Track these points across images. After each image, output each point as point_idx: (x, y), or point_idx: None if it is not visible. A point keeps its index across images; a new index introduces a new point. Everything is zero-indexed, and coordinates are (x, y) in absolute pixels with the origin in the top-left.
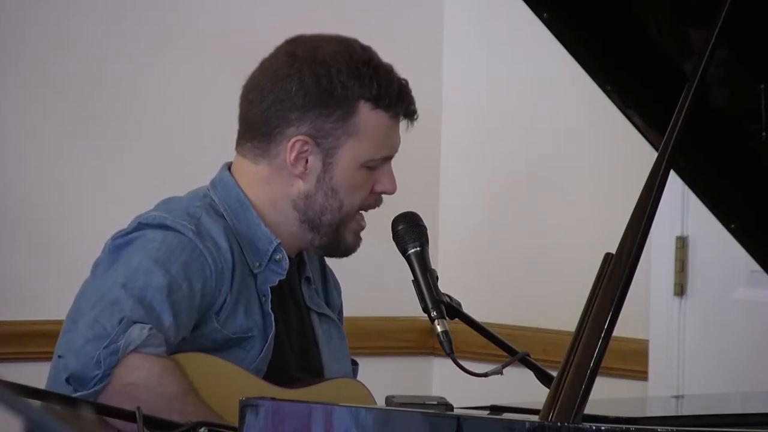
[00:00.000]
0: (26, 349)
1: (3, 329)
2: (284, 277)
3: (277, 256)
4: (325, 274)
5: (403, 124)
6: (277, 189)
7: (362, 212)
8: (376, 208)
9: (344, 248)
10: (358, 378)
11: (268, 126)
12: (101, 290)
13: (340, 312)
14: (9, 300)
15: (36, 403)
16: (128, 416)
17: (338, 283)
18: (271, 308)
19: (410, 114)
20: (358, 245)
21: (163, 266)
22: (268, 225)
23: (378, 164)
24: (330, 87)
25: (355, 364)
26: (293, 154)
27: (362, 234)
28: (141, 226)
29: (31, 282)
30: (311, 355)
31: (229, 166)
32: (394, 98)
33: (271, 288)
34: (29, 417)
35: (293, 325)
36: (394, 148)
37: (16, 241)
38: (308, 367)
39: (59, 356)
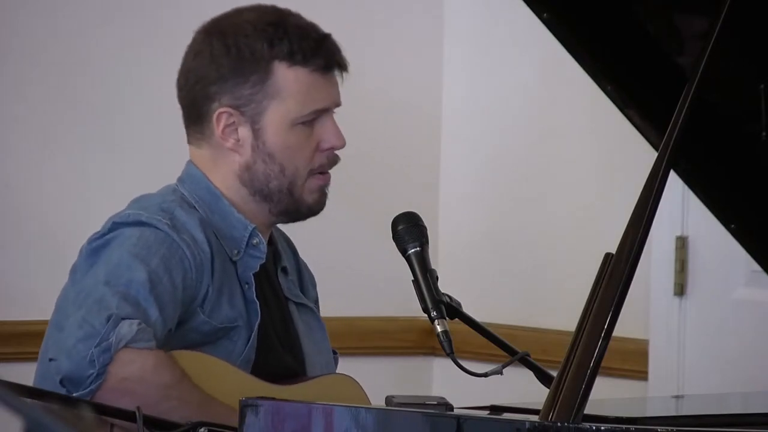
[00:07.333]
0: (26, 349)
1: (2, 329)
2: (264, 260)
3: (254, 241)
4: (299, 266)
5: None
6: (223, 169)
7: (323, 171)
8: (332, 166)
9: (306, 209)
10: (356, 376)
11: (195, 107)
12: (84, 290)
13: (316, 303)
14: (8, 300)
15: (36, 403)
16: (128, 416)
17: (313, 276)
18: (255, 296)
19: (332, 65)
20: (323, 203)
21: (143, 261)
22: (239, 211)
23: (312, 121)
24: (239, 54)
25: (334, 353)
26: (220, 128)
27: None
28: (116, 225)
29: (31, 282)
30: (293, 345)
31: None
32: (310, 52)
33: (252, 275)
34: (29, 417)
35: (275, 315)
36: (326, 101)
37: (15, 241)
38: (292, 357)
39: (50, 359)
